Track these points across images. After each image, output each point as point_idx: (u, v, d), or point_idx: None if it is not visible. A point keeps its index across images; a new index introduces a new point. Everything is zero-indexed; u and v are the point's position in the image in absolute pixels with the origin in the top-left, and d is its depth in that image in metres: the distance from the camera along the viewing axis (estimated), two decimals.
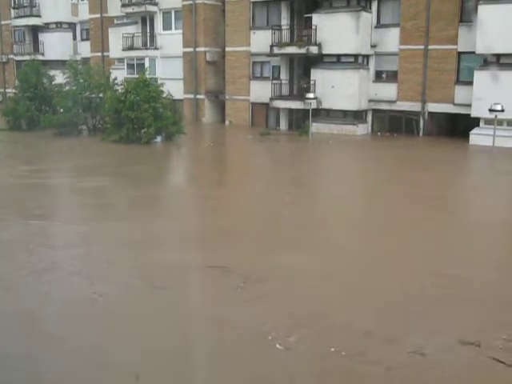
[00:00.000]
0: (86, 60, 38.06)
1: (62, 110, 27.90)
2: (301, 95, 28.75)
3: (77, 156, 22.36)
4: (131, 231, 11.11)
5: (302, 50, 28.36)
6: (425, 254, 9.76)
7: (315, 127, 27.69)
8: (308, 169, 19.62)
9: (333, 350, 6.24)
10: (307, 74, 29.24)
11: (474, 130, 24.29)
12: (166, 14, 34.71)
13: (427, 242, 10.45)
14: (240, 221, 12.25)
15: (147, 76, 25.88)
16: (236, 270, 8.67)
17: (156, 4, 34.52)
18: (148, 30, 35.60)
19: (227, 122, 32.90)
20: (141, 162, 20.53)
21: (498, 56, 23.78)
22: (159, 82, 27.20)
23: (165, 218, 12.40)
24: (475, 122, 24.43)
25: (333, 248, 10.11)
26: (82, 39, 43.13)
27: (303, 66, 30.04)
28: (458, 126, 26.48)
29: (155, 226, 11.63)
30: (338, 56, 27.84)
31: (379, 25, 27.95)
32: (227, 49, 32.45)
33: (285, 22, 29.76)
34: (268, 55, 29.93)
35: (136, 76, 27.57)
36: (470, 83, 24.44)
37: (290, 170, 19.69)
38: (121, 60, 37.14)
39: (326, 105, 28.22)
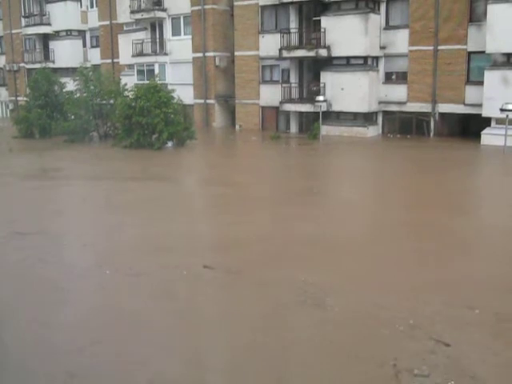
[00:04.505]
0: (96, 67, 38.22)
1: (73, 117, 28.11)
2: (311, 98, 28.76)
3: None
4: None
5: (311, 53, 28.38)
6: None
7: (325, 130, 27.68)
8: (322, 176, 19.61)
9: None
10: (317, 77, 29.25)
11: (486, 130, 24.17)
12: (175, 19, 34.85)
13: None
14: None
15: (157, 82, 26.02)
16: None
17: (165, 10, 34.69)
18: (157, 36, 35.77)
19: (237, 127, 32.96)
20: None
21: (509, 55, 23.69)
22: (169, 87, 27.39)
23: None
24: (486, 122, 24.33)
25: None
26: (92, 46, 43.40)
27: (313, 69, 30.04)
28: (470, 127, 26.37)
29: None
30: (348, 58, 27.82)
31: (388, 26, 27.92)
32: (236, 53, 32.54)
33: (293, 25, 29.79)
34: (277, 59, 29.99)
35: (146, 82, 27.71)
36: (481, 83, 24.36)
37: (305, 177, 19.64)
38: (131, 66, 37.37)
39: (336, 107, 28.20)
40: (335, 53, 27.73)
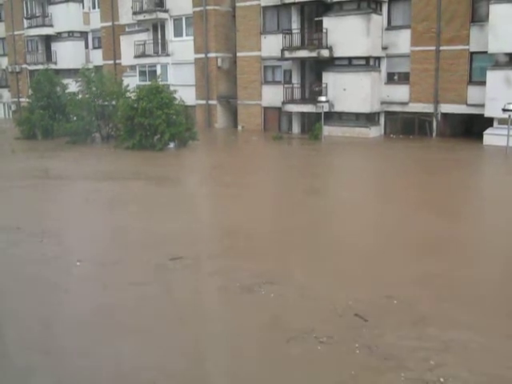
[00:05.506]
0: (98, 68, 38.20)
1: (75, 118, 28.13)
2: (313, 99, 28.74)
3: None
4: None
5: (313, 54, 28.36)
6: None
7: (327, 130, 27.67)
8: (323, 177, 19.58)
9: None
10: (319, 78, 29.22)
11: (488, 130, 24.13)
12: (177, 20, 34.87)
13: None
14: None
15: (159, 83, 26.02)
16: None
17: (167, 11, 34.71)
18: (159, 37, 35.79)
19: (239, 127, 32.96)
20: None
21: (511, 55, 23.64)
22: (171, 88, 27.35)
23: None
24: (489, 123, 24.29)
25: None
26: (94, 47, 43.46)
27: (315, 70, 30.01)
28: (472, 127, 26.34)
29: None
30: (350, 59, 27.80)
31: (390, 27, 27.90)
32: (238, 54, 32.54)
33: (295, 25, 29.78)
34: (279, 59, 29.98)
35: (148, 83, 27.72)
36: (483, 83, 24.30)
37: (306, 177, 19.61)
38: (133, 67, 37.39)
39: (338, 108, 28.17)
40: (337, 53, 27.71)
